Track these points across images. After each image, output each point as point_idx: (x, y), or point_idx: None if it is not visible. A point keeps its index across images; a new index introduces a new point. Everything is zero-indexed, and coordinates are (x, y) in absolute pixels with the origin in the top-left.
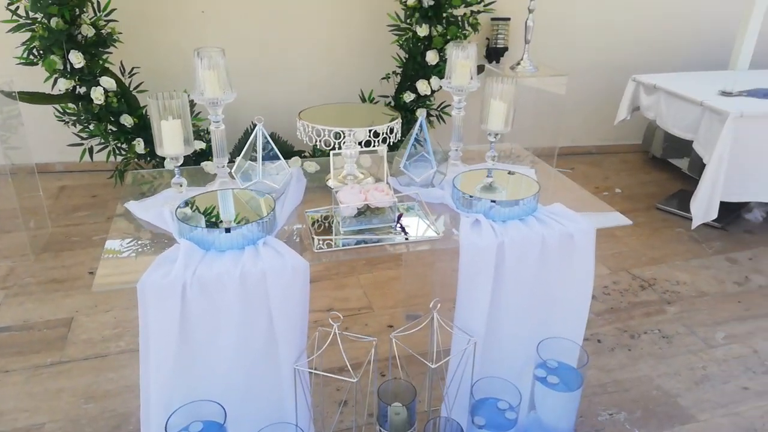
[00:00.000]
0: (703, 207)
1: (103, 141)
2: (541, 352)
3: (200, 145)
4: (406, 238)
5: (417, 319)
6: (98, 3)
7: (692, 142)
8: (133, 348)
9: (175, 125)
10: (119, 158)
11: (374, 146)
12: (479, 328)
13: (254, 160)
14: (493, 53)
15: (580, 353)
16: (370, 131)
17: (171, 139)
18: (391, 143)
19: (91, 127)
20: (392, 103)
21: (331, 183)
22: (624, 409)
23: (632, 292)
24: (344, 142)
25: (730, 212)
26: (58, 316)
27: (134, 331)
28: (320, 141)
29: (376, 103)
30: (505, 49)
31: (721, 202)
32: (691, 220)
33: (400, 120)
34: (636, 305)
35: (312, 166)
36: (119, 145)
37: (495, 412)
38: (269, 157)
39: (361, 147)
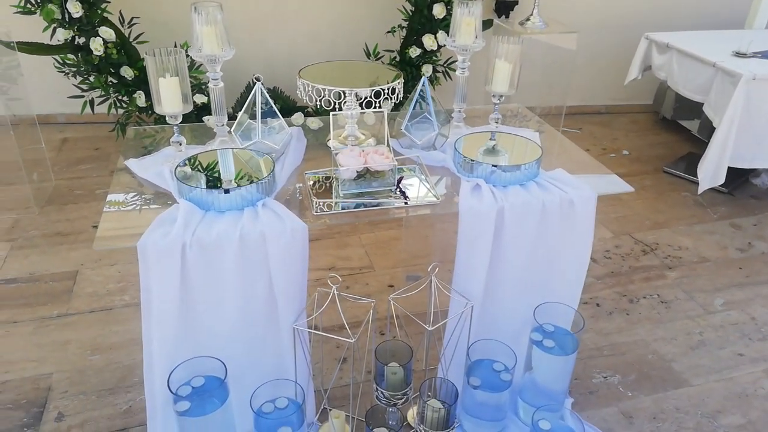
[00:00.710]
0: (711, 172)
1: (103, 93)
2: (538, 316)
3: (201, 98)
4: (406, 203)
5: (417, 279)
6: None
7: (703, 104)
8: (137, 302)
9: (173, 83)
10: (120, 111)
11: (376, 107)
12: (477, 291)
13: (254, 118)
14: (503, 7)
15: (576, 318)
16: (371, 91)
17: (169, 96)
18: (393, 104)
19: (92, 78)
20: (397, 58)
21: (331, 144)
22: (618, 372)
23: (634, 257)
24: (345, 102)
25: (738, 177)
26: (63, 269)
27: (138, 286)
28: (320, 101)
29: (380, 57)
30: (515, 2)
31: (728, 167)
32: (698, 183)
33: (402, 79)
34: (637, 270)
35: (315, 122)
36: (120, 97)
37: (490, 373)
38: (270, 113)
39: (363, 108)
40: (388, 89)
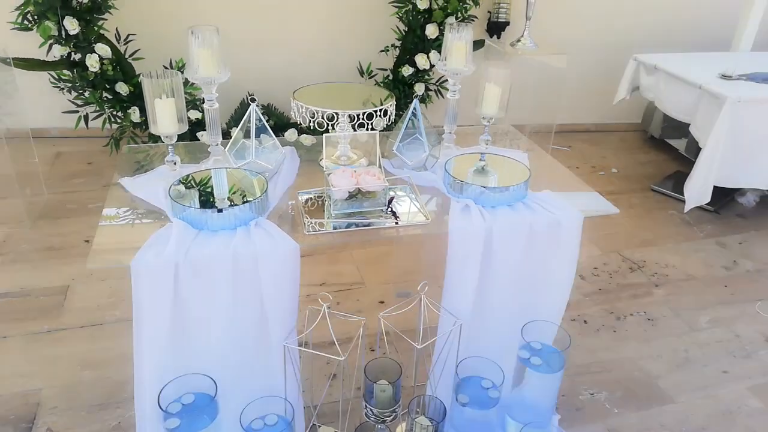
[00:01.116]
0: (697, 191)
1: (98, 108)
2: (526, 334)
3: (195, 114)
4: (396, 223)
5: (407, 296)
6: None
7: (689, 125)
8: (128, 318)
9: (169, 104)
10: (115, 126)
11: (367, 128)
12: (465, 309)
13: (248, 137)
14: (495, 27)
15: (563, 336)
16: (363, 114)
17: (165, 117)
18: (385, 125)
19: (87, 94)
20: (390, 77)
21: (324, 163)
22: (605, 389)
23: (621, 274)
24: (338, 124)
25: (724, 196)
26: (54, 283)
27: (129, 301)
28: (314, 122)
29: (374, 75)
30: (507, 23)
31: (715, 186)
32: (685, 202)
33: (393, 101)
34: (624, 287)
35: (308, 139)
36: (114, 113)
37: (479, 390)
38: (264, 133)
39: (355, 129)
40: (380, 111)
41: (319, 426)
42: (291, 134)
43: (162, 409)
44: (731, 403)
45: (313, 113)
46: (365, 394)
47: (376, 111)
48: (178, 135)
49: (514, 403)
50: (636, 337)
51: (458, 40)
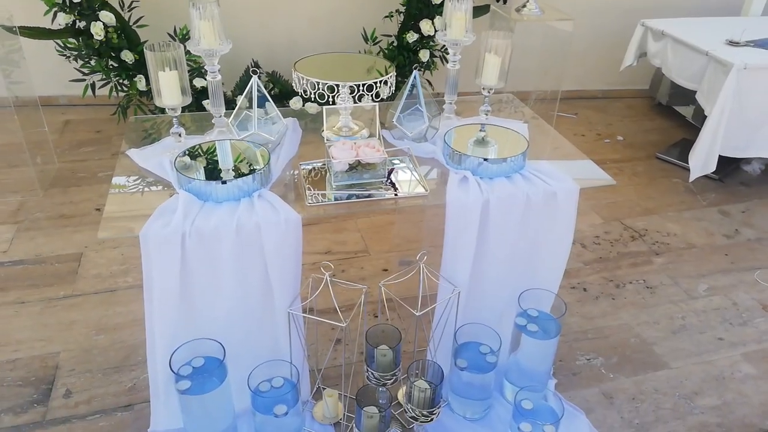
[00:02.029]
0: (702, 160)
1: (104, 77)
2: (523, 302)
3: (201, 83)
4: (396, 194)
5: (409, 265)
6: None
7: (695, 92)
8: (139, 284)
9: (172, 76)
10: (121, 94)
11: (372, 99)
12: (464, 278)
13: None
14: None
15: (558, 303)
16: (363, 85)
17: (169, 90)
18: (385, 96)
19: (92, 62)
20: (395, 43)
21: (325, 134)
22: (601, 355)
23: (622, 243)
24: (338, 95)
25: (729, 164)
26: (68, 251)
27: (140, 269)
28: (315, 93)
29: (378, 42)
30: None
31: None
32: (690, 170)
33: (394, 73)
34: (624, 255)
35: (313, 107)
36: (121, 81)
37: (477, 355)
38: (267, 104)
39: (355, 101)
40: (380, 82)
41: (324, 388)
42: (295, 102)
43: (174, 372)
44: (724, 368)
45: (314, 85)
46: (367, 359)
47: (376, 82)
48: (180, 110)
49: (512, 368)
50: (634, 304)
51: (458, 10)
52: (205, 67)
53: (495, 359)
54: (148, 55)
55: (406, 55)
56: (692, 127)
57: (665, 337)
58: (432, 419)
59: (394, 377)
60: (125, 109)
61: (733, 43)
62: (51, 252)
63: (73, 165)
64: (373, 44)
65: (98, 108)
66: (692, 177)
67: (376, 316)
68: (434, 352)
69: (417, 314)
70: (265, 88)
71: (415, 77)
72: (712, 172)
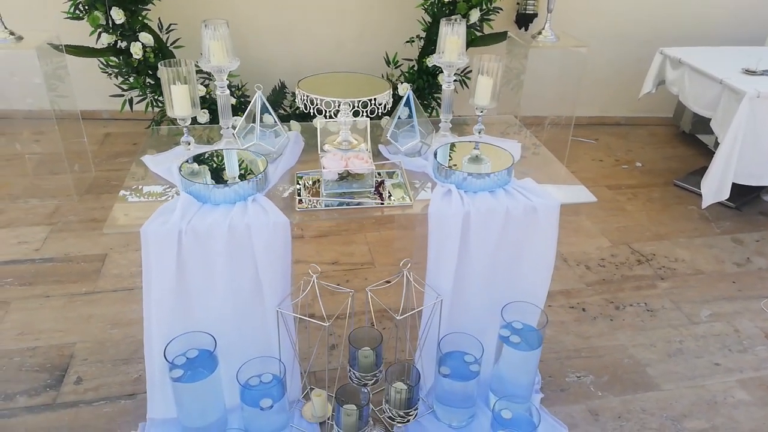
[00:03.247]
0: (715, 187)
1: (141, 93)
2: (508, 314)
3: (231, 100)
4: (381, 203)
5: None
6: None
7: (711, 120)
8: None
9: (183, 90)
10: (156, 110)
11: (363, 116)
12: (447, 286)
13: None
14: (523, 19)
15: (541, 316)
16: (358, 102)
17: (180, 102)
18: (380, 113)
19: (131, 79)
20: (415, 67)
21: (326, 148)
22: (592, 373)
23: (628, 266)
24: (337, 111)
25: (748, 193)
26: (94, 251)
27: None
28: (314, 109)
29: (399, 65)
30: (535, 15)
31: (738, 183)
32: (702, 197)
33: (390, 92)
34: (628, 279)
35: (335, 125)
36: (156, 97)
37: (461, 364)
38: (281, 118)
39: (356, 116)
40: (374, 100)
41: (313, 389)
42: (317, 121)
43: (168, 361)
44: (717, 393)
45: (313, 100)
46: (350, 360)
47: (370, 100)
48: (200, 120)
49: (496, 379)
50: (632, 326)
51: (452, 34)
52: (215, 83)
53: (478, 368)
54: (162, 70)
55: (426, 78)
56: (713, 155)
57: (660, 360)
58: (409, 420)
59: (375, 378)
60: (159, 123)
61: (749, 72)
62: (78, 252)
63: (108, 174)
64: (395, 67)
65: (136, 122)
66: (705, 204)
67: (373, 325)
68: (422, 360)
69: (398, 318)
70: (291, 107)
71: (408, 96)
72: (729, 200)
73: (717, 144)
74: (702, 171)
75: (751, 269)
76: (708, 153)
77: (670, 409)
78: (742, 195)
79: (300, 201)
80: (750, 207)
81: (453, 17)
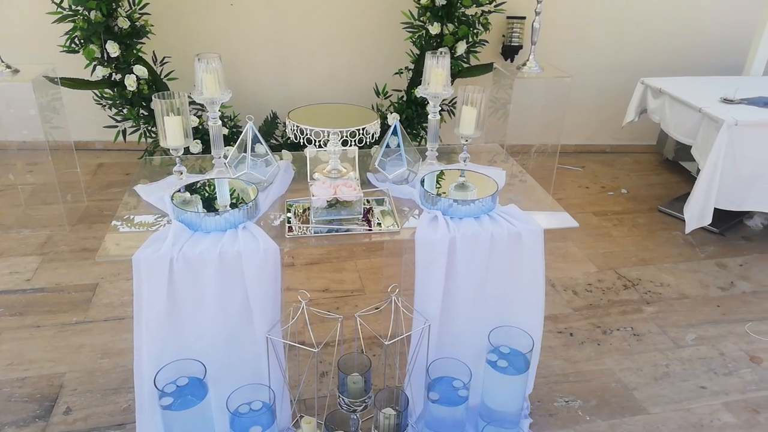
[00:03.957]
0: (697, 212)
1: (135, 124)
2: (497, 339)
3: (224, 131)
4: (369, 229)
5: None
6: None
7: (691, 147)
8: None
9: (176, 121)
10: (149, 140)
11: (351, 146)
12: (435, 312)
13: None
14: (508, 51)
15: (528, 340)
16: (347, 131)
17: (173, 133)
18: (368, 143)
19: (125, 111)
20: (404, 98)
21: (316, 176)
22: (580, 398)
23: (614, 291)
24: (326, 140)
25: (731, 218)
26: (85, 281)
27: None
28: (303, 138)
29: (389, 96)
30: (520, 47)
31: (722, 209)
32: (685, 223)
33: (378, 122)
34: (615, 303)
35: (325, 155)
36: (149, 128)
37: (449, 389)
38: (273, 148)
39: (343, 146)
40: (363, 130)
41: (302, 416)
42: (308, 150)
43: (158, 389)
44: (704, 416)
45: (302, 130)
46: (339, 386)
47: (358, 129)
48: (193, 150)
49: (484, 404)
50: (619, 350)
51: (437, 66)
52: (207, 114)
53: (466, 393)
54: (156, 102)
55: (414, 108)
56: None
57: (647, 384)
58: None
59: (364, 404)
60: (152, 154)
61: (727, 101)
62: (70, 282)
63: (100, 204)
64: (385, 98)
65: (129, 153)
66: (688, 229)
67: (362, 352)
68: (410, 385)
69: (386, 342)
70: (282, 137)
71: (395, 126)
72: (712, 226)
73: (699, 171)
74: (685, 197)
75: (735, 293)
76: (691, 180)
77: None
78: (725, 220)
79: (290, 228)
80: (733, 232)
81: (438, 50)
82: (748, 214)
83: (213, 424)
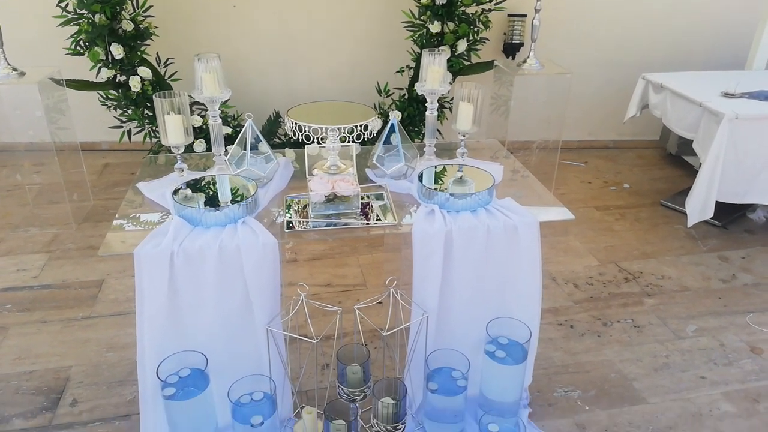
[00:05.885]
0: (699, 206)
1: (139, 124)
2: (495, 330)
3: (227, 130)
4: (366, 223)
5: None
6: (137, 0)
7: (693, 141)
8: None
9: (177, 119)
10: (154, 140)
11: (349, 142)
12: (432, 303)
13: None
14: (510, 49)
15: (525, 330)
16: (344, 128)
17: (173, 131)
18: (365, 140)
19: (130, 111)
20: (406, 95)
21: (314, 172)
22: (579, 388)
23: (615, 284)
24: (324, 137)
25: (734, 211)
26: (91, 278)
27: None
28: (302, 135)
29: (390, 94)
30: (521, 44)
31: (725, 202)
32: (687, 216)
33: (376, 119)
34: (616, 296)
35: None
36: (154, 128)
37: (448, 380)
38: (273, 146)
39: (342, 142)
40: (360, 126)
41: (303, 407)
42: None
43: (160, 380)
44: (703, 406)
45: (301, 127)
46: (339, 377)
47: (356, 126)
48: (197, 149)
49: (483, 395)
50: (619, 342)
51: (433, 64)
52: (207, 113)
53: (465, 383)
54: (157, 101)
55: (415, 106)
56: None
57: (646, 374)
58: None
59: (363, 394)
60: (157, 153)
61: (728, 95)
62: (76, 278)
63: (106, 203)
64: (386, 96)
65: (135, 153)
66: (690, 222)
67: (366, 345)
68: (410, 375)
69: (384, 333)
70: (285, 135)
71: (392, 123)
72: (715, 219)
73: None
74: (688, 191)
75: (736, 285)
76: (694, 174)
77: (656, 422)
78: (728, 213)
79: (290, 223)
80: (736, 225)
81: (435, 48)
82: (751, 207)
83: (215, 414)
